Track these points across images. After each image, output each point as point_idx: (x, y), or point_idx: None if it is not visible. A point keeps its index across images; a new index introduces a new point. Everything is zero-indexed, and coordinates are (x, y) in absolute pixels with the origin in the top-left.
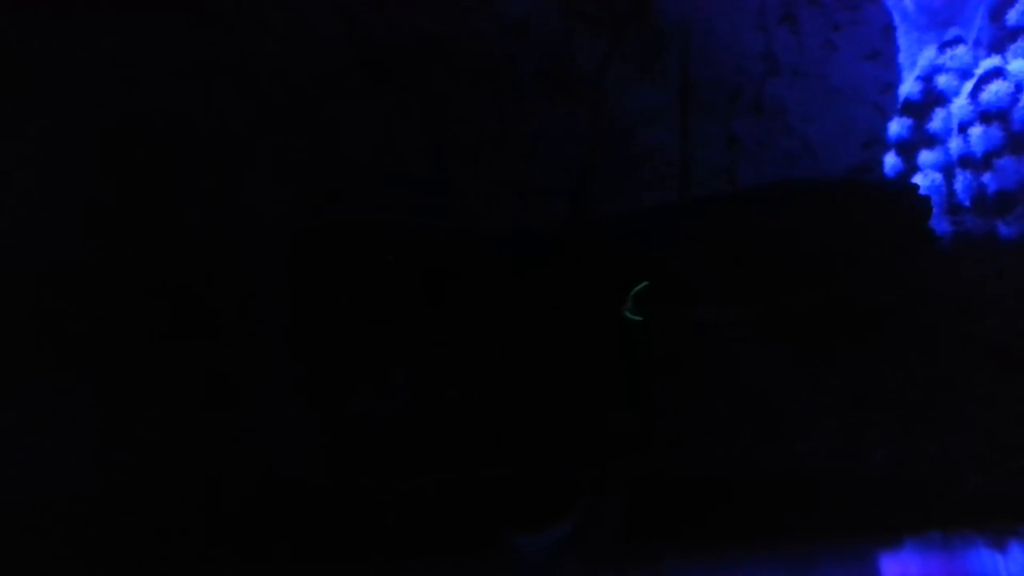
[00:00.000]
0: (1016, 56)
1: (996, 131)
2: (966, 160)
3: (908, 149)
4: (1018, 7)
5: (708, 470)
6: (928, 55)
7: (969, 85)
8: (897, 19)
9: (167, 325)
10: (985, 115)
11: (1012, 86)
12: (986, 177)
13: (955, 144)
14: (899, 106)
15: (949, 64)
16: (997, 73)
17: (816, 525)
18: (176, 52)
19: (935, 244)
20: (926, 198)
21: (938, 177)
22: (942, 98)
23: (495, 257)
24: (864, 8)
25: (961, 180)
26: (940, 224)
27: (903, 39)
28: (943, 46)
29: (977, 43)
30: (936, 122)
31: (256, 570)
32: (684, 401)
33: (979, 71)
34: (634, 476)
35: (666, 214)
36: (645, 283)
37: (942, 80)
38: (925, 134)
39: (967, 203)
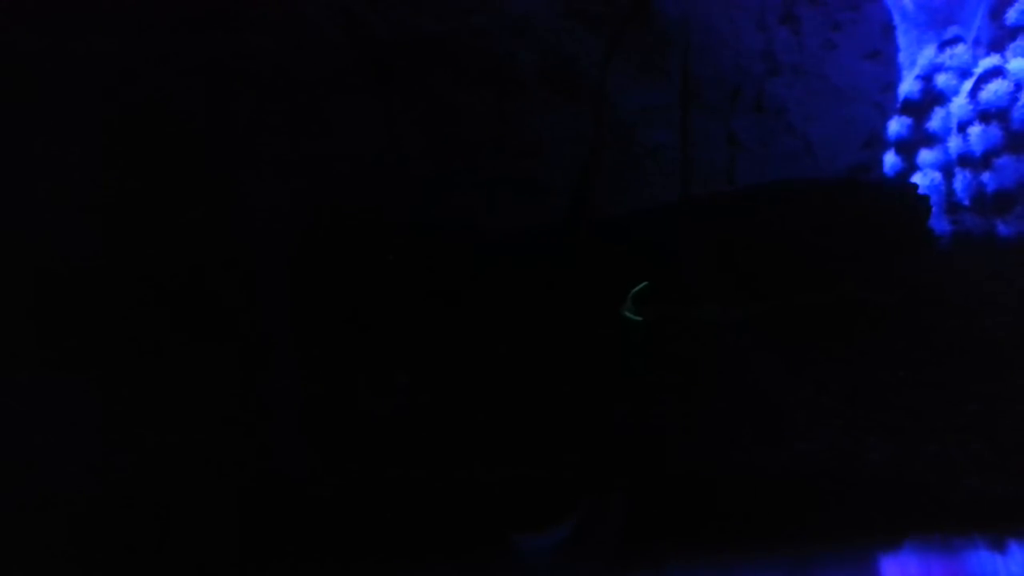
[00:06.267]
0: (1015, 55)
1: (995, 130)
2: (965, 159)
3: (908, 148)
4: (1017, 6)
5: (709, 470)
6: (928, 54)
7: (968, 84)
8: (897, 18)
9: (169, 324)
10: (984, 114)
11: (1011, 85)
12: (985, 176)
13: (954, 143)
14: (899, 105)
15: (949, 63)
16: (996, 72)
17: (817, 525)
18: (179, 52)
19: (935, 243)
20: (925, 197)
21: (937, 176)
22: (942, 97)
23: (496, 256)
24: (864, 7)
25: (960, 179)
26: (939, 223)
27: (903, 38)
28: (943, 45)
29: (977, 42)
30: (936, 121)
31: (256, 570)
32: (685, 401)
33: (978, 70)
34: (635, 476)
35: (667, 213)
36: (645, 283)
37: (942, 79)
38: (925, 133)
39: (966, 202)
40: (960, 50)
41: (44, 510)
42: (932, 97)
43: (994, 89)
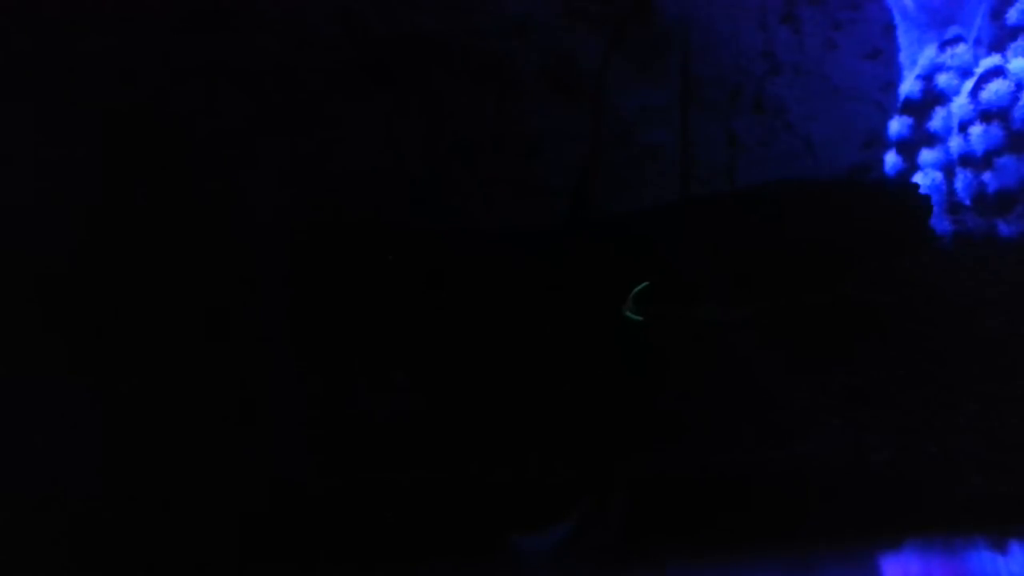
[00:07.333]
0: (1016, 55)
1: (996, 130)
2: (966, 159)
3: (909, 148)
4: (1018, 6)
5: (709, 470)
6: (928, 54)
7: (969, 84)
8: (898, 18)
9: (168, 325)
10: (985, 114)
11: (1012, 85)
12: (986, 176)
13: (955, 143)
14: (900, 105)
15: (949, 63)
16: (997, 72)
17: (817, 524)
18: (177, 52)
19: (935, 243)
20: (926, 197)
21: (938, 176)
22: (942, 97)
23: (495, 256)
24: (865, 7)
25: (961, 179)
26: (940, 223)
27: (903, 38)
28: (943, 45)
29: (977, 42)
30: (936, 121)
31: (255, 570)
32: (685, 401)
33: (979, 70)
34: (635, 476)
35: (667, 213)
36: (646, 283)
37: (942, 79)
38: (925, 133)
39: (967, 202)
40: (961, 50)
41: (43, 511)
42: (933, 97)
43: (995, 89)
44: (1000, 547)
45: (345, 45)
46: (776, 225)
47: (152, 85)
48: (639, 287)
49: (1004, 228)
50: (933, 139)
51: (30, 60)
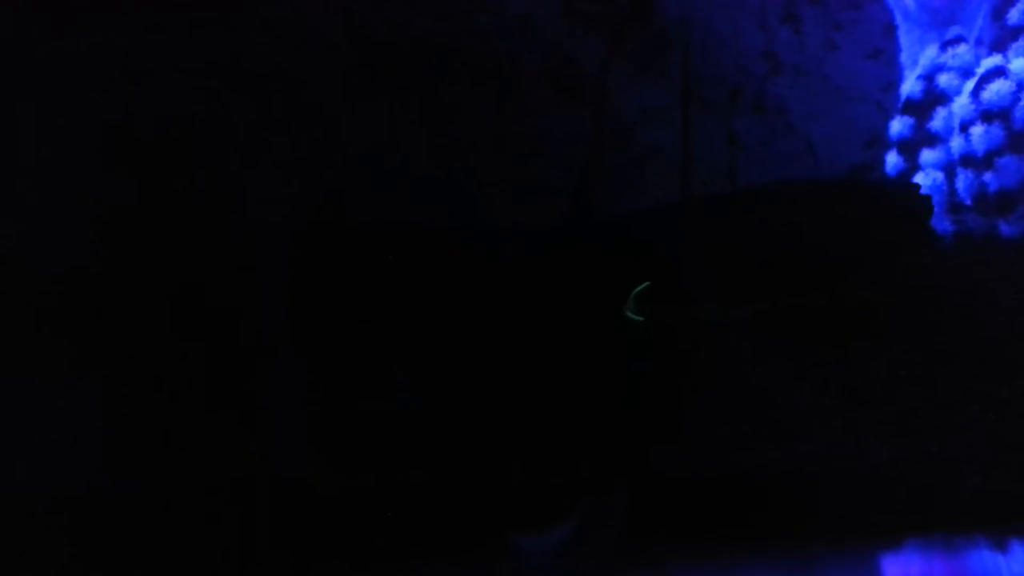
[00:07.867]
0: (1017, 55)
1: (997, 130)
2: (967, 159)
3: (910, 148)
4: (1020, 6)
5: (710, 471)
6: (930, 54)
7: (971, 84)
8: (899, 18)
9: (169, 326)
10: (986, 114)
11: (1013, 85)
12: (987, 176)
13: (956, 143)
14: (901, 105)
15: (951, 63)
16: (998, 72)
17: (817, 525)
18: (177, 52)
19: (936, 243)
20: (927, 197)
21: (939, 176)
22: (944, 97)
23: (496, 257)
24: (866, 7)
25: (963, 179)
26: (941, 223)
27: (905, 38)
28: (945, 45)
29: (979, 42)
30: (938, 121)
31: (257, 571)
32: (685, 401)
33: (980, 70)
34: (636, 477)
35: (667, 214)
36: (647, 283)
37: (943, 79)
38: (927, 133)
39: (968, 202)
40: (962, 50)
41: (44, 511)
42: (934, 97)
43: (996, 89)
44: (1001, 547)
45: (345, 45)
46: (776, 225)
47: (152, 85)
48: (639, 287)
49: (1005, 228)
50: (934, 139)
51: (30, 60)
